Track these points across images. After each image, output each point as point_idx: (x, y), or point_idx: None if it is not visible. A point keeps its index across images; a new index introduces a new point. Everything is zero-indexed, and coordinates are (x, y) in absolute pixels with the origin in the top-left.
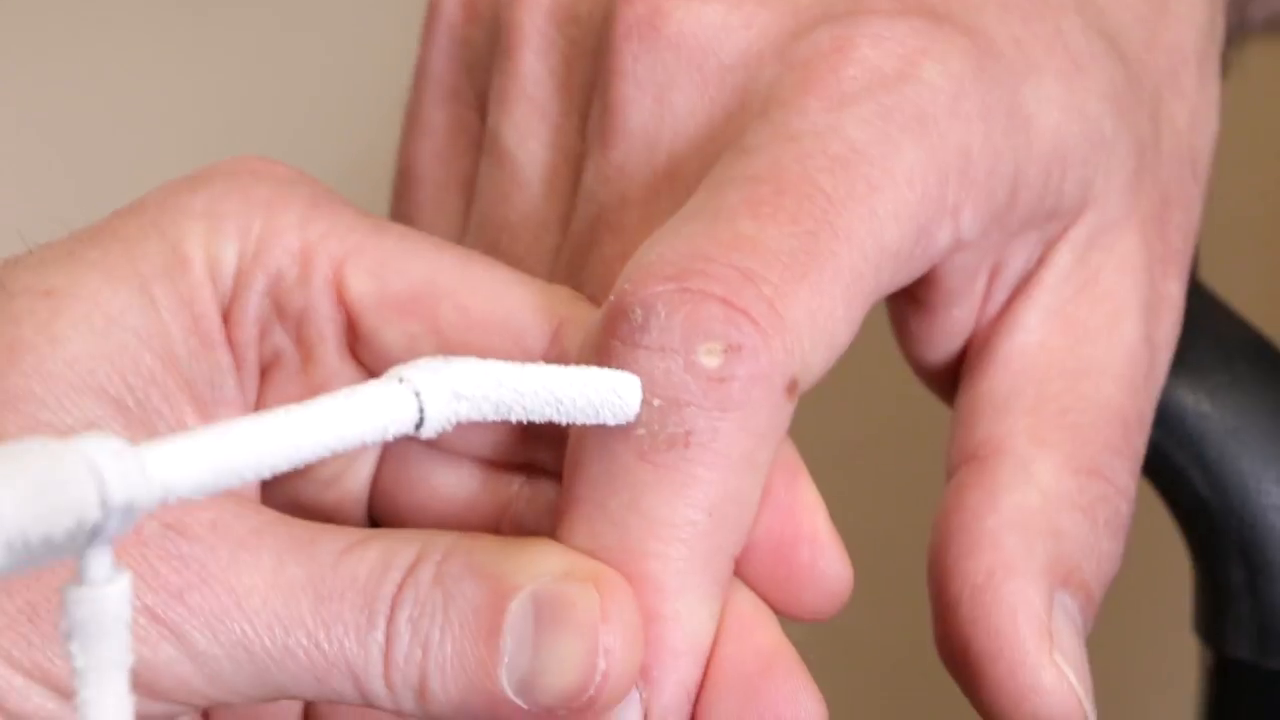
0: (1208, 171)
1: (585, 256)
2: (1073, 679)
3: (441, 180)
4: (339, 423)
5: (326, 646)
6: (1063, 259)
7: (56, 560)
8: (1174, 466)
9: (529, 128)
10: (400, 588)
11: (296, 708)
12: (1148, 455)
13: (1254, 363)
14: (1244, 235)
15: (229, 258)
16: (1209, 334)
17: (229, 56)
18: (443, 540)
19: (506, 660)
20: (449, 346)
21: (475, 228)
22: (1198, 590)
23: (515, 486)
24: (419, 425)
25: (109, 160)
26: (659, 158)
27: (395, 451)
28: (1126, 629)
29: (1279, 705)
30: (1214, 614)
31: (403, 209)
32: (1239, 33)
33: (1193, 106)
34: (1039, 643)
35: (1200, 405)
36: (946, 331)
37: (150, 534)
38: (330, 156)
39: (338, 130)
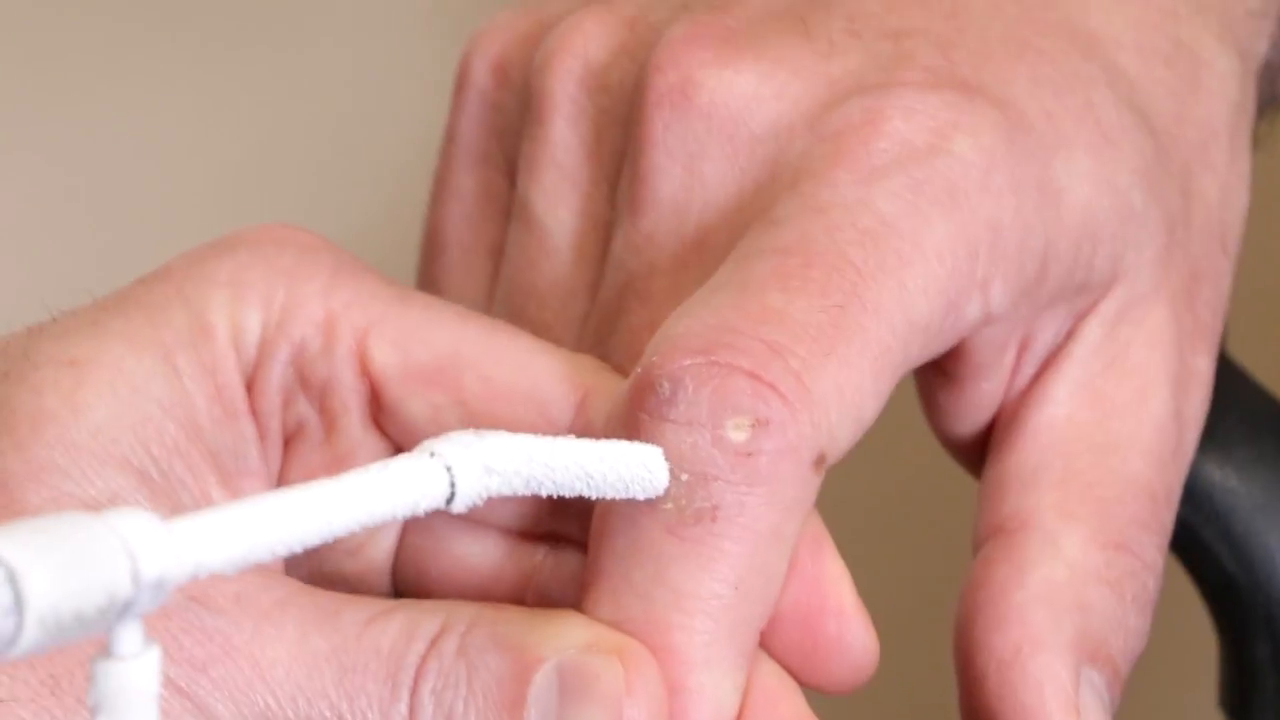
0: (1238, 246)
1: (613, 324)
2: None
3: (470, 245)
4: (370, 497)
5: (349, 718)
6: (1092, 333)
7: (87, 636)
8: (1201, 542)
9: (559, 195)
10: (424, 659)
11: None
12: (1175, 531)
13: None
14: (1273, 309)
15: (253, 327)
16: (1237, 409)
17: (257, 115)
18: (467, 611)
19: None
20: (474, 417)
21: (503, 293)
22: (1224, 666)
23: (540, 556)
24: (450, 500)
25: (134, 222)
26: (688, 227)
27: (420, 522)
28: (1153, 706)
29: None
30: (1240, 691)
31: (431, 273)
32: (1270, 106)
33: (1223, 181)
34: (1066, 718)
35: (1228, 481)
36: (975, 404)
37: (174, 607)
38: (358, 218)
39: (367, 192)
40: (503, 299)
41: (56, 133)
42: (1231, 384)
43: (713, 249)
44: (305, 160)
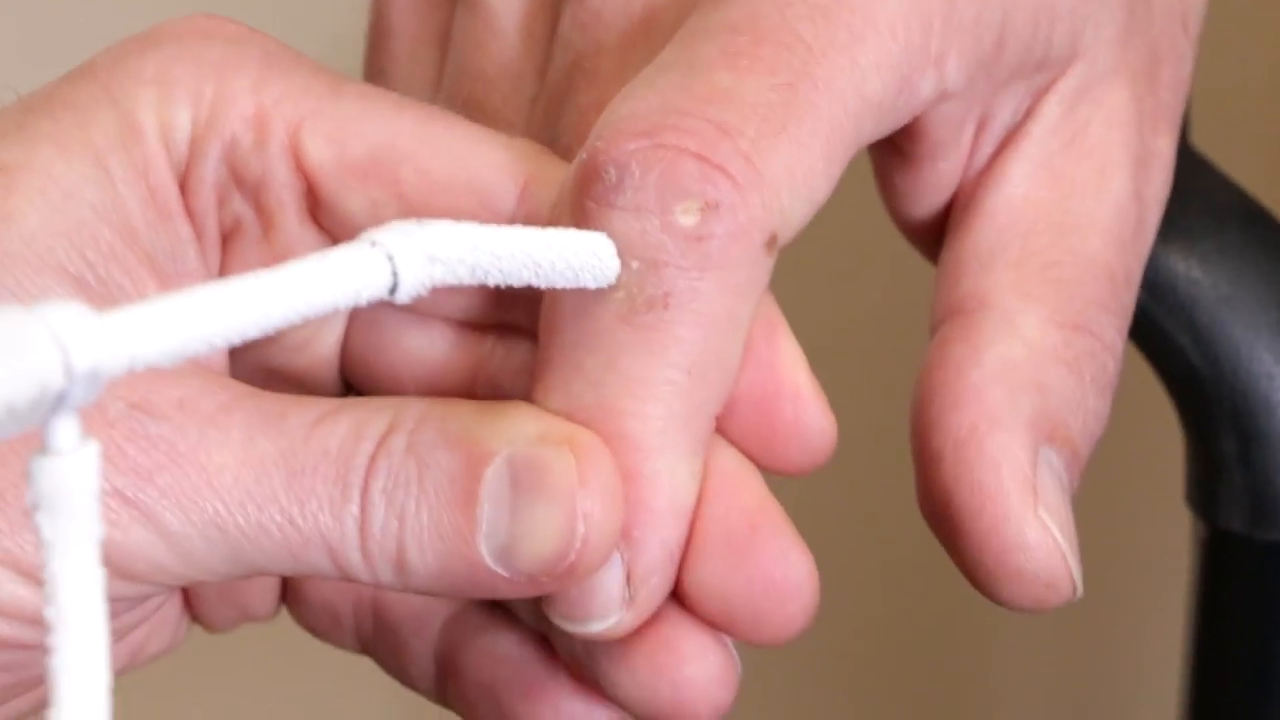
0: (1199, 28)
1: (561, 106)
2: (1058, 535)
3: (416, 32)
4: (310, 287)
5: (301, 522)
6: (1050, 111)
7: (19, 429)
8: (1164, 334)
9: None
10: (373, 459)
11: (273, 581)
12: (1137, 322)
13: (1246, 228)
14: (1239, 101)
15: (182, 125)
16: (1200, 199)
17: None
18: (415, 408)
19: (484, 528)
20: (413, 211)
21: (450, 79)
22: (1190, 461)
23: (489, 346)
24: (393, 290)
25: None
26: (635, 5)
27: (365, 314)
28: (1116, 501)
29: (1272, 577)
30: (1206, 485)
31: (377, 62)
32: None
33: None
34: (1023, 497)
35: (1191, 271)
36: (931, 185)
37: (116, 415)
38: (299, 12)
39: None
40: (450, 85)
41: None
42: (1194, 174)
43: (661, 26)
44: None
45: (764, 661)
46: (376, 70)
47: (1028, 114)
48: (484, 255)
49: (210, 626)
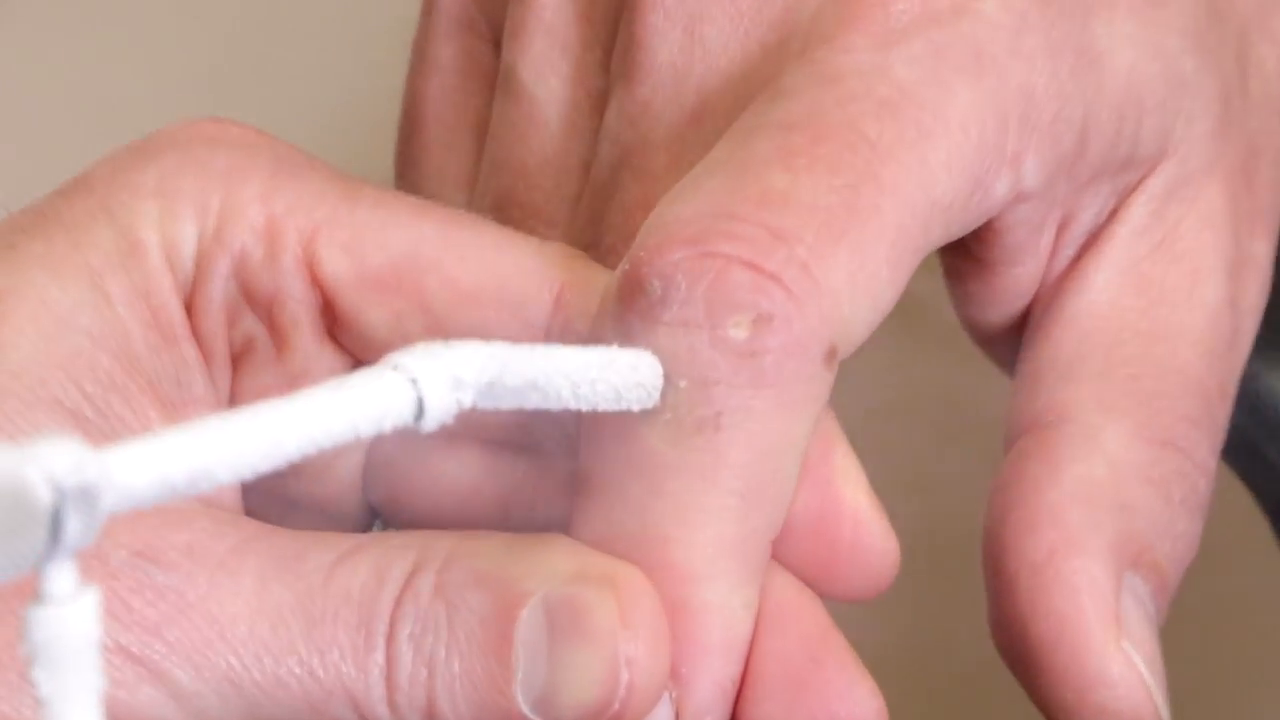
0: None
1: (607, 203)
2: (1143, 670)
3: (451, 121)
4: (328, 416)
5: (322, 674)
6: (1137, 212)
7: (13, 575)
8: (1261, 456)
9: (548, 62)
10: (398, 602)
11: None
12: (1231, 441)
13: None
14: None
15: (187, 240)
16: None
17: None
18: (442, 545)
19: (520, 676)
20: (440, 324)
21: (488, 173)
22: None
23: (523, 470)
24: (418, 418)
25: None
26: (687, 96)
27: (389, 437)
28: (1207, 625)
29: None
30: None
31: (409, 152)
32: None
33: None
34: (1105, 628)
35: None
36: (1008, 291)
37: (119, 564)
38: (330, 100)
39: (338, 71)
40: (488, 179)
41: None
42: None
43: (714, 120)
44: (273, 42)
45: None
46: (408, 162)
47: (1112, 215)
48: (517, 379)
49: None
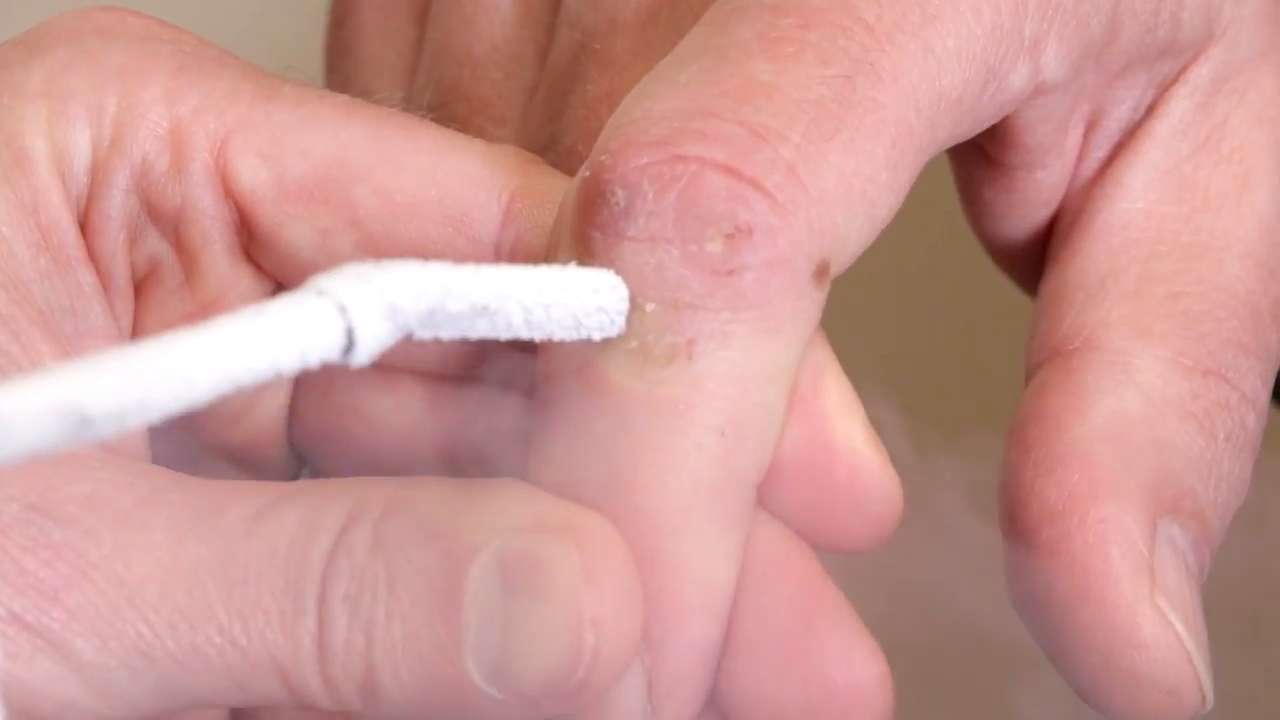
0: None
1: (565, 97)
2: (1180, 629)
3: (389, 4)
4: (244, 350)
5: (245, 642)
6: (1179, 106)
7: None
8: None
9: None
10: (330, 559)
11: (219, 715)
12: None
13: None
14: None
15: (80, 149)
16: None
17: None
18: (379, 492)
19: (471, 642)
20: (372, 241)
21: (429, 62)
22: None
23: (471, 405)
24: (348, 350)
25: None
26: None
27: (317, 372)
28: (1255, 581)
29: None
30: None
31: (341, 38)
32: None
33: None
34: (1136, 582)
35: None
36: (1029, 199)
37: (9, 520)
38: None
39: None
40: (429, 69)
41: None
42: None
43: (688, 1)
44: None
45: None
46: (340, 51)
47: (1150, 110)
48: (461, 304)
49: None
